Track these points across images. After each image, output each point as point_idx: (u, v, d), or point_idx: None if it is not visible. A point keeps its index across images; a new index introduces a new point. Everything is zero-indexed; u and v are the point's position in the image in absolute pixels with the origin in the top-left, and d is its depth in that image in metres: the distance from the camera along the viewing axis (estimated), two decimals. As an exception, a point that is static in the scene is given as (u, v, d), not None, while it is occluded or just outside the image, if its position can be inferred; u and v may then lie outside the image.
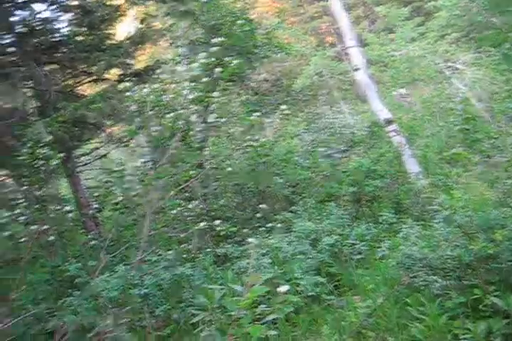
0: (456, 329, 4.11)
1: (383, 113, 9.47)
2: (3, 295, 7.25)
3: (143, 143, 8.56)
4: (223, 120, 7.24)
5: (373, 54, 15.62)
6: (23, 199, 7.89)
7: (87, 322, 5.86)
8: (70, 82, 10.85)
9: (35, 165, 7.46)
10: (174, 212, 6.86)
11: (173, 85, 7.50)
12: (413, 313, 4.47)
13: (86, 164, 11.34)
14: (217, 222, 6.47)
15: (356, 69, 9.76)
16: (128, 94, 7.64)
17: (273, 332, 4.61)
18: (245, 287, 2.19)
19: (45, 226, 7.12)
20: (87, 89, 12.05)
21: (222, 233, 6.52)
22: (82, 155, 11.45)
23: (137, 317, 5.69)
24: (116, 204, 7.66)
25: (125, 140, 10.06)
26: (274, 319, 4.61)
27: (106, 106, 7.67)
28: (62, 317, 6.04)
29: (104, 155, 11.06)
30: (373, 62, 15.00)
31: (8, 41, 9.71)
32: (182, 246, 6.52)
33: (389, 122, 9.37)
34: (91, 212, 8.83)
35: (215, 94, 6.97)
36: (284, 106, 8.19)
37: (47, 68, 10.22)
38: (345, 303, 5.33)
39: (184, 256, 6.36)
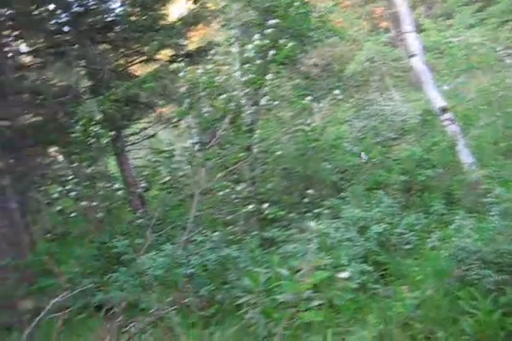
0: (510, 326, 3.96)
1: (438, 101, 9.17)
2: (53, 268, 7.48)
3: (192, 124, 8.56)
4: (275, 103, 7.16)
5: (429, 40, 15.11)
6: (74, 176, 8.04)
7: (133, 299, 5.96)
8: (123, 61, 10.95)
9: (87, 143, 7.58)
10: (221, 193, 6.86)
11: (225, 67, 7.45)
12: (464, 307, 4.32)
13: (134, 143, 11.47)
14: (266, 205, 6.43)
15: (412, 56, 9.46)
16: (180, 74, 7.64)
17: (319, 318, 4.60)
18: (306, 271, 2.12)
19: (94, 203, 7.26)
20: (139, 69, 12.13)
21: (269, 216, 6.48)
22: (131, 134, 11.59)
23: (181, 296, 5.73)
24: (164, 184, 7.73)
25: (174, 121, 10.11)
26: (318, 304, 4.59)
27: (157, 86, 7.69)
28: (108, 292, 6.15)
29: (153, 135, 11.17)
30: (429, 49, 14.54)
31: (63, 20, 9.85)
32: (228, 228, 6.52)
33: (444, 110, 9.07)
34: (138, 190, 8.92)
35: (268, 76, 6.89)
36: (337, 91, 8.03)
37: (100, 47, 10.34)
38: (392, 293, 5.22)
39: (230, 238, 6.35)
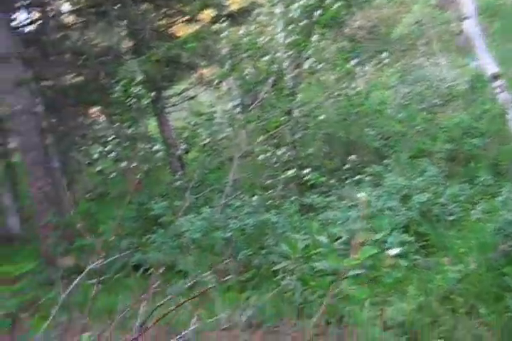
0: (556, 304, 3.81)
1: (490, 67, 8.73)
2: (93, 228, 7.59)
3: (233, 86, 8.41)
4: (319, 66, 6.93)
5: (483, 1, 14.39)
6: (114, 137, 8.06)
7: (170, 260, 6.01)
8: (164, 21, 10.81)
9: (127, 104, 7.53)
10: (261, 157, 6.76)
11: (268, 28, 7.22)
12: (509, 284, 4.17)
13: (174, 105, 11.44)
14: (307, 170, 6.30)
15: (465, 18, 9.00)
16: (222, 35, 7.46)
17: (353, 287, 4.53)
18: (353, 246, 2.01)
19: (134, 164, 7.26)
20: (180, 30, 11.97)
21: (309, 182, 6.36)
22: (171, 96, 11.53)
23: (218, 259, 5.73)
24: (203, 146, 7.67)
25: (215, 82, 9.97)
26: (357, 274, 4.51)
27: (199, 47, 7.54)
28: (146, 253, 6.21)
29: (193, 97, 11.09)
30: (481, 11, 13.84)
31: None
32: (267, 192, 6.44)
33: (496, 77, 8.64)
34: (178, 152, 8.89)
35: (313, 38, 6.64)
36: (384, 54, 7.71)
37: (142, 7, 10.20)
38: (433, 265, 5.08)
39: (268, 202, 6.28)
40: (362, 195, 2.50)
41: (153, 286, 3.36)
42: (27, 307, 4.38)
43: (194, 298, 2.54)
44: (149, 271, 6.19)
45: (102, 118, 12.04)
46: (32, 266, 1.90)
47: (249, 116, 6.81)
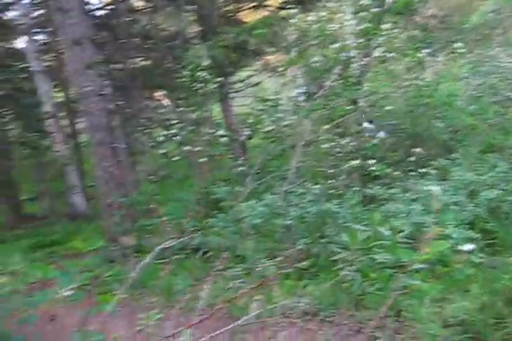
0: None
1: None
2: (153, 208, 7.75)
3: (299, 73, 8.34)
4: (390, 55, 6.78)
5: None
6: (179, 121, 8.17)
7: (229, 245, 6.07)
8: (232, 7, 10.82)
9: (193, 89, 7.61)
10: (325, 146, 6.69)
11: (338, 15, 7.10)
12: None
13: (239, 91, 11.48)
14: (372, 161, 6.20)
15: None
16: (290, 22, 7.39)
17: (416, 282, 4.44)
18: (423, 240, 1.95)
19: (197, 148, 7.35)
20: (248, 16, 11.96)
21: (373, 173, 6.25)
22: (235, 82, 11.58)
23: (277, 246, 5.74)
24: (267, 133, 7.66)
25: (281, 69, 9.93)
26: (419, 268, 4.42)
27: (267, 34, 7.50)
28: (206, 237, 6.29)
29: (258, 84, 11.10)
30: None
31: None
32: (329, 181, 6.38)
33: None
34: (242, 138, 8.93)
35: (385, 26, 6.49)
36: (459, 44, 7.44)
37: (210, -8, 10.23)
38: (500, 264, 4.91)
39: (330, 192, 6.22)
40: (435, 189, 2.42)
41: (218, 269, 3.39)
42: (92, 283, 4.51)
43: (262, 284, 2.55)
44: (208, 254, 6.29)
45: (167, 102, 12.22)
46: (101, 244, 1.96)
47: (315, 104, 6.74)
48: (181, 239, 3.14)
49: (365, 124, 8.91)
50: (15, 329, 3.46)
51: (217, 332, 2.17)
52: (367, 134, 8.73)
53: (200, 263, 6.25)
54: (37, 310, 3.34)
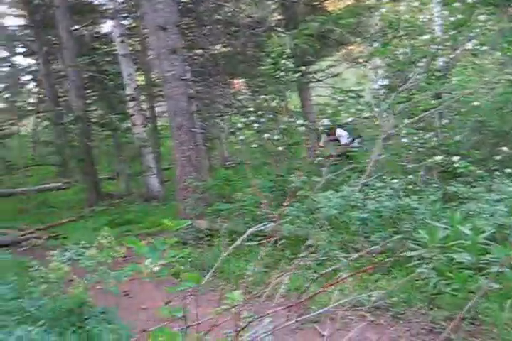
0: None
1: None
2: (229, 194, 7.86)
3: (382, 65, 8.17)
4: (483, 48, 6.51)
5: None
6: (257, 108, 8.21)
7: (302, 234, 6.07)
8: (317, -5, 10.70)
9: (275, 77, 7.61)
10: (406, 140, 6.54)
11: (429, 5, 6.87)
12: None
13: (318, 81, 11.38)
14: (456, 158, 6.00)
15: None
16: (379, 11, 7.24)
17: (495, 286, 4.28)
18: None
19: (275, 136, 7.37)
20: (332, 5, 11.80)
21: (456, 170, 6.05)
22: (315, 71, 11.47)
23: (351, 238, 5.70)
24: (345, 124, 7.59)
25: (362, 60, 9.76)
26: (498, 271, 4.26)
27: (354, 23, 7.38)
28: (279, 224, 6.30)
29: (338, 74, 10.97)
30: None
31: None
32: (409, 176, 6.23)
33: None
34: (320, 128, 8.87)
35: (479, 18, 6.22)
36: (558, 39, 7.05)
37: (296, -20, 10.16)
38: None
39: (409, 187, 6.08)
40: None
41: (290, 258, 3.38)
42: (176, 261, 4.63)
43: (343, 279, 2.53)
44: (280, 242, 6.31)
45: (245, 89, 12.31)
46: (188, 223, 2.02)
47: (398, 97, 6.58)
48: (270, 224, 3.15)
49: (339, 131, 8.80)
50: (96, 300, 3.62)
51: (291, 321, 2.17)
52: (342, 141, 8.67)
53: (271, 251, 6.28)
54: (121, 283, 3.49)
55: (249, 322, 1.83)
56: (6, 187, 15.32)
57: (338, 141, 8.86)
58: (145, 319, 5.17)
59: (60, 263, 3.04)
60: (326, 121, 8.92)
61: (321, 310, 2.44)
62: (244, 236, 2.25)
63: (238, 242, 2.17)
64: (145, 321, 5.02)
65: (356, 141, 9.15)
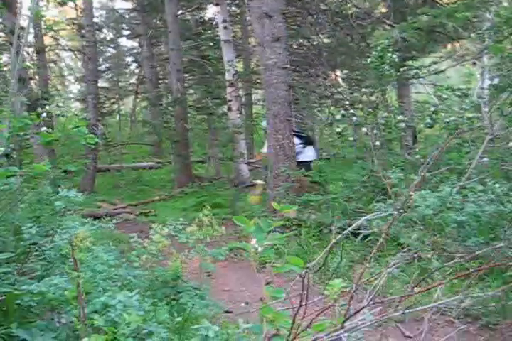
0: None
1: None
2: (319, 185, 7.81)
3: (491, 63, 7.79)
4: None
5: None
6: (356, 101, 8.09)
7: (393, 232, 5.93)
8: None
9: (379, 70, 7.45)
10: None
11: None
12: None
13: (420, 77, 11.01)
14: None
15: None
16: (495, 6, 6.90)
17: None
18: None
19: (375, 131, 7.23)
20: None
21: None
22: (418, 67, 11.11)
23: (445, 241, 5.52)
24: (447, 123, 7.31)
25: (469, 57, 9.37)
26: None
27: (469, 17, 7.05)
28: (369, 220, 6.20)
29: (442, 71, 10.55)
30: None
31: None
32: (512, 182, 5.93)
33: None
34: (420, 126, 8.61)
35: None
36: None
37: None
38: None
39: (512, 193, 5.79)
40: None
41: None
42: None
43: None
44: (368, 239, 6.23)
45: (344, 81, 12.16)
46: (294, 207, 2.05)
47: (509, 98, 6.25)
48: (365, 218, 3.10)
49: (295, 139, 8.37)
50: (188, 276, 3.73)
51: (377, 317, 2.12)
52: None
53: (359, 247, 6.22)
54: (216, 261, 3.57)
55: (357, 311, 1.81)
56: (103, 162, 16.06)
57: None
58: (227, 300, 5.28)
59: (161, 237, 3.15)
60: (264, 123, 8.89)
61: (408, 310, 2.38)
62: (347, 231, 2.23)
63: (340, 236, 2.15)
64: (227, 302, 5.12)
65: (309, 148, 9.00)
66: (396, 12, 9.35)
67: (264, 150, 9.09)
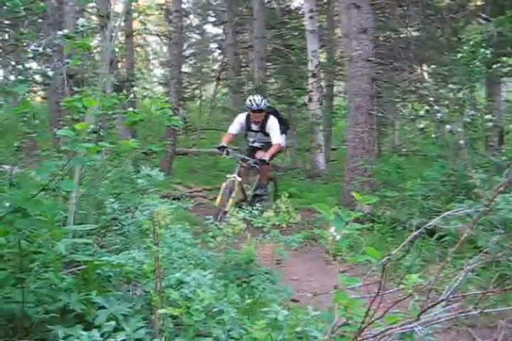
0: None
1: None
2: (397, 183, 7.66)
3: None
4: None
5: None
6: (441, 97, 7.84)
7: (471, 233, 5.72)
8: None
9: (470, 66, 7.17)
10: None
11: None
12: None
13: (512, 75, 10.54)
14: None
15: None
16: None
17: None
18: None
19: (459, 129, 7.00)
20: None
21: None
22: (510, 65, 10.62)
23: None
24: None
25: None
26: None
27: None
28: (446, 220, 6.01)
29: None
30: None
31: None
32: None
33: None
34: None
35: None
36: None
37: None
38: None
39: None
40: None
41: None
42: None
43: None
44: (443, 239, 6.05)
45: (430, 76, 11.82)
46: (375, 200, 2.02)
47: None
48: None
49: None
50: (259, 261, 3.76)
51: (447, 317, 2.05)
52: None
53: (434, 246, 6.06)
54: (288, 249, 3.59)
55: (435, 303, 1.77)
56: (181, 146, 16.43)
57: None
58: (295, 289, 5.29)
59: (238, 220, 3.20)
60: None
61: (487, 310, 2.30)
62: (423, 227, 2.17)
63: (416, 233, 2.10)
64: (294, 291, 5.13)
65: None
66: (494, 5, 8.93)
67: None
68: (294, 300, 4.42)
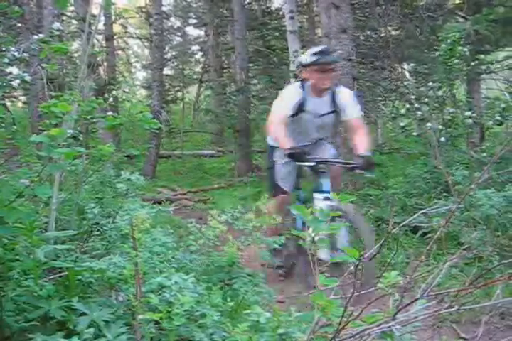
0: None
1: None
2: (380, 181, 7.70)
3: None
4: None
5: None
6: (421, 95, 7.88)
7: (453, 230, 5.77)
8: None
9: (448, 64, 7.23)
10: None
11: None
12: None
13: (491, 72, 10.63)
14: None
15: None
16: None
17: None
18: None
19: (439, 126, 7.05)
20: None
21: None
22: (490, 62, 10.72)
23: (508, 242, 5.33)
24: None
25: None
26: None
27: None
28: (430, 217, 6.06)
29: (516, 66, 10.14)
30: None
31: None
32: None
33: None
34: (487, 123, 8.32)
35: None
36: None
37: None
38: None
39: None
40: None
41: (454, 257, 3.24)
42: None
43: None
44: (427, 236, 6.09)
45: (409, 75, 11.89)
46: (351, 199, 2.03)
47: None
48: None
49: None
50: (243, 263, 3.75)
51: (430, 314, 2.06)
52: None
53: (417, 243, 6.10)
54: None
55: (410, 302, 1.77)
56: (165, 149, 16.38)
57: None
58: (280, 290, 5.28)
59: (219, 223, 3.19)
60: None
61: (464, 307, 2.31)
62: (403, 224, 2.18)
63: (395, 229, 2.10)
64: (281, 292, 5.13)
65: None
66: (470, 3, 9.03)
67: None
68: (279, 302, 4.42)
